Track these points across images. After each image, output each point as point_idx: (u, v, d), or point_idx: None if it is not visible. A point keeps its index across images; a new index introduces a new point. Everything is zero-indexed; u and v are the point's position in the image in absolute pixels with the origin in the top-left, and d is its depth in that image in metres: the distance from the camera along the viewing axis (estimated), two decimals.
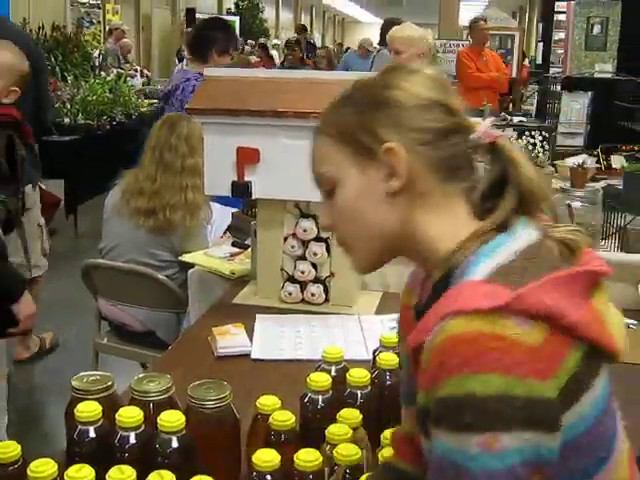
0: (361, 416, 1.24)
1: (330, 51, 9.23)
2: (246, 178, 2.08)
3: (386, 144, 0.97)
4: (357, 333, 1.96)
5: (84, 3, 14.63)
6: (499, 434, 0.79)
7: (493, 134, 0.98)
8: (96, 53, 10.24)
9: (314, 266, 2.16)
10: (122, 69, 9.52)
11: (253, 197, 2.12)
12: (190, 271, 2.55)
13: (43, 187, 3.72)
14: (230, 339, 1.86)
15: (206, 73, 2.21)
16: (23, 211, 2.30)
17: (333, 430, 1.19)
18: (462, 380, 0.80)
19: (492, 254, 0.90)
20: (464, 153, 0.99)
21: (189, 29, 10.28)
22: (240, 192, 2.10)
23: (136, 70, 10.29)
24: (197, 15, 13.08)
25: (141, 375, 1.32)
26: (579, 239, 0.94)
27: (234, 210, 3.02)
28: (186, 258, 2.64)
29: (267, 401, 1.28)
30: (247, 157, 2.06)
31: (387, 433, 1.21)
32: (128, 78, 8.84)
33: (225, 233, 3.03)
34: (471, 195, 0.98)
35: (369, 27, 28.83)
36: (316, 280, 2.17)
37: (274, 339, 1.92)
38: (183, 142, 2.87)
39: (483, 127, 0.99)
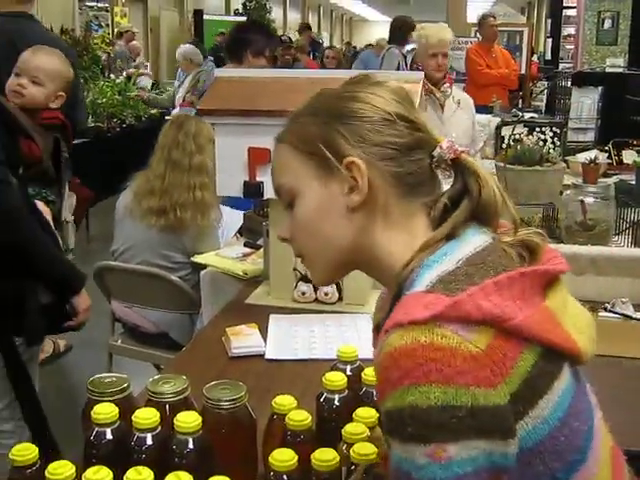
0: (377, 415, 1.23)
1: (339, 52, 8.54)
2: (258, 178, 2.09)
3: (348, 158, 0.96)
4: (371, 332, 1.95)
5: (92, 6, 14.67)
6: (445, 444, 0.79)
7: (457, 150, 0.98)
8: (104, 56, 10.28)
9: None
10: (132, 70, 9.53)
11: (265, 197, 2.12)
12: (202, 272, 2.55)
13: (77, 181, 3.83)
14: (244, 339, 1.86)
15: (216, 74, 2.21)
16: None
17: (350, 429, 1.19)
18: (404, 392, 0.80)
19: (435, 264, 0.90)
20: (426, 168, 0.98)
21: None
22: (252, 192, 2.11)
23: (146, 66, 10.24)
24: (205, 17, 13.10)
25: (157, 376, 1.32)
26: (537, 239, 0.95)
27: (245, 212, 3.03)
28: (198, 259, 2.64)
29: (283, 401, 1.27)
30: (258, 157, 2.06)
31: None
32: (139, 78, 8.86)
33: (237, 234, 3.04)
34: (432, 210, 0.97)
35: (377, 25, 28.80)
36: None
37: (288, 339, 1.92)
38: (191, 140, 2.88)
39: (446, 142, 0.98)
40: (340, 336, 1.93)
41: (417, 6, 19.82)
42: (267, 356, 1.82)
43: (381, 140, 0.96)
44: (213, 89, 2.17)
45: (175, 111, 6.69)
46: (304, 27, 13.32)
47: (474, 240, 0.93)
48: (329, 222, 0.99)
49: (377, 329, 1.07)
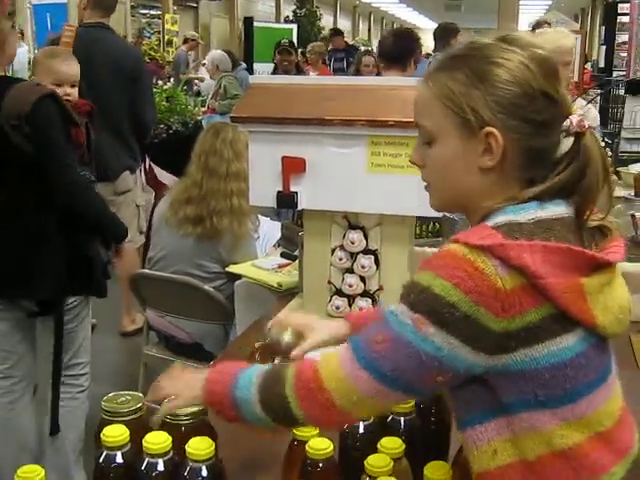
0: (404, 446, 1.15)
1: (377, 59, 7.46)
2: (292, 188, 2.02)
3: (488, 128, 1.04)
4: None
5: (145, 14, 14.88)
6: (431, 324, 0.96)
7: (584, 126, 1.05)
8: (170, 57, 10.39)
9: (362, 279, 2.08)
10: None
11: (299, 208, 2.05)
12: (237, 283, 2.50)
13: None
14: None
15: (251, 81, 2.16)
16: None
17: (373, 461, 1.11)
18: (432, 277, 0.98)
19: (511, 213, 1.02)
20: (556, 142, 1.06)
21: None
22: (285, 203, 2.04)
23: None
24: (255, 24, 13.13)
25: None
26: (612, 227, 1.08)
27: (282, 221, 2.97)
28: (233, 269, 2.59)
29: (304, 426, 1.20)
30: (293, 167, 2.00)
31: (432, 465, 1.13)
32: (199, 83, 8.90)
33: (276, 244, 2.98)
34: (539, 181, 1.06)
35: (428, 33, 28.63)
36: (364, 294, 2.09)
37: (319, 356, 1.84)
38: (228, 147, 2.84)
39: (577, 117, 1.05)
40: None
41: (468, 13, 19.65)
42: None
43: (521, 115, 1.03)
44: (247, 96, 2.11)
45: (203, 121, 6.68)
46: (335, 33, 11.80)
47: (555, 209, 1.03)
48: (459, 171, 1.08)
49: None
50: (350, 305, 2.10)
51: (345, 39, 11.54)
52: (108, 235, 2.53)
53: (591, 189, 1.05)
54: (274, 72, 7.49)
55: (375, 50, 7.38)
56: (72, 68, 2.77)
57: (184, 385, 1.17)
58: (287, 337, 1.33)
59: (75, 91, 2.74)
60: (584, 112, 3.66)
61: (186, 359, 2.89)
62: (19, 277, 2.36)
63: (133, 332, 4.15)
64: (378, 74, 6.52)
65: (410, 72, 3.83)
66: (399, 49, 3.99)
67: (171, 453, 1.11)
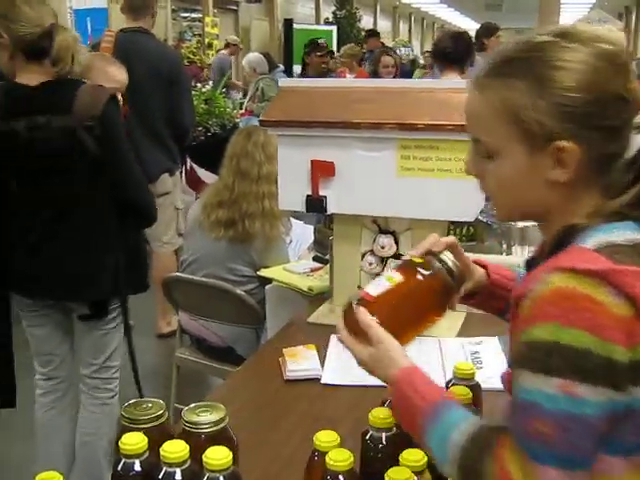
0: (426, 458, 1.12)
1: (397, 59, 6.78)
2: (321, 192, 2.00)
3: (559, 142, 0.95)
4: (435, 358, 1.84)
5: (186, 17, 14.98)
6: (578, 383, 0.87)
7: None
8: (209, 60, 10.50)
9: None
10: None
11: (328, 212, 2.04)
12: (268, 286, 2.49)
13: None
14: (300, 362, 1.78)
15: (280, 84, 2.15)
16: None
17: (394, 474, 1.08)
18: (555, 328, 0.88)
19: (608, 232, 0.94)
20: (626, 144, 0.98)
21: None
22: (314, 207, 2.02)
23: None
24: (294, 26, 13.13)
25: (193, 405, 1.24)
26: None
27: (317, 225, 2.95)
28: (265, 273, 2.58)
29: (325, 437, 1.18)
30: (322, 170, 1.99)
31: None
32: (231, 92, 8.95)
33: (309, 247, 2.96)
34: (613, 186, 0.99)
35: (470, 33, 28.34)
36: None
37: (347, 362, 1.81)
38: (260, 149, 2.83)
39: None
40: None
41: (509, 12, 19.44)
42: (323, 380, 1.73)
43: (591, 124, 0.95)
44: (277, 100, 2.11)
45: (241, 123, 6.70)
46: (370, 34, 11.14)
47: None
48: (525, 187, 1.00)
49: (528, 265, 1.11)
50: None
51: (382, 40, 11.33)
52: (144, 223, 2.57)
53: None
54: (303, 72, 7.38)
55: (389, 51, 7.23)
56: (126, 76, 2.92)
57: (375, 359, 1.17)
58: (448, 259, 1.20)
59: (121, 98, 2.84)
60: None
61: (218, 362, 2.90)
62: (78, 277, 2.35)
63: (169, 334, 4.16)
64: (396, 75, 6.47)
65: (465, 75, 3.76)
66: (456, 51, 3.93)
67: (189, 462, 1.09)
